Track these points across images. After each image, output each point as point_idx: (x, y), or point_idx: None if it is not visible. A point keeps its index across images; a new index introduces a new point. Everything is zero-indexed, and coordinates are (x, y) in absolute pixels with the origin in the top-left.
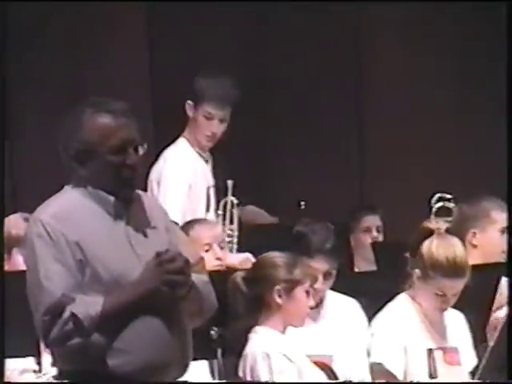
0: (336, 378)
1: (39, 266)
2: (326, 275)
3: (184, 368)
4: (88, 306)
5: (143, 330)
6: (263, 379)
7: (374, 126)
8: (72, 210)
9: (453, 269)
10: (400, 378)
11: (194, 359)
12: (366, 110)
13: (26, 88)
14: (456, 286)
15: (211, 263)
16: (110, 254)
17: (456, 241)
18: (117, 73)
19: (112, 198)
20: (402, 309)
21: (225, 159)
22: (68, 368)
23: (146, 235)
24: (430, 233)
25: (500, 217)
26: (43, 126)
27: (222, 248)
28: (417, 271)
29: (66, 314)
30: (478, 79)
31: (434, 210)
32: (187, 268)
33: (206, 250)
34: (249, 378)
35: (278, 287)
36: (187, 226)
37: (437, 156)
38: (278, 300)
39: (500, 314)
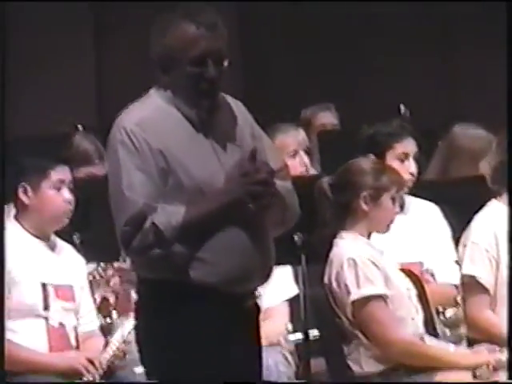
0: (422, 286)
1: (122, 175)
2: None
3: (266, 277)
4: (169, 215)
5: (226, 239)
6: (349, 285)
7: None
8: (156, 118)
9: None
10: (491, 291)
11: (278, 265)
12: None
13: None
14: None
15: (297, 170)
16: (193, 163)
17: None
18: None
19: (193, 108)
20: (494, 217)
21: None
22: (148, 275)
23: (231, 143)
24: None
25: None
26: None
27: (308, 154)
28: None
29: (147, 224)
30: None
31: None
32: (271, 178)
33: (292, 156)
34: (334, 284)
35: (364, 193)
36: (270, 133)
37: None
38: (364, 206)
39: None
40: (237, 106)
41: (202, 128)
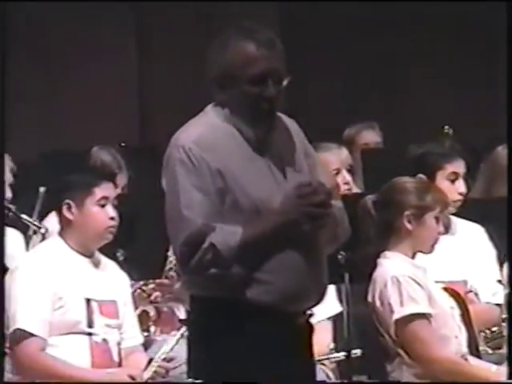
0: (465, 305)
1: (180, 194)
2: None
3: (320, 296)
4: (227, 235)
5: (281, 259)
6: (393, 303)
7: None
8: (213, 136)
9: None
10: None
11: None
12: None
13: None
14: None
15: (340, 188)
16: (250, 183)
17: None
18: None
19: (251, 127)
20: None
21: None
22: (202, 294)
23: (287, 163)
24: None
25: None
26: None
27: (350, 173)
28: None
29: (206, 244)
30: None
31: None
32: (329, 200)
33: (334, 175)
34: (378, 303)
35: (407, 213)
36: None
37: None
38: (408, 225)
39: None
40: (291, 125)
41: (259, 148)
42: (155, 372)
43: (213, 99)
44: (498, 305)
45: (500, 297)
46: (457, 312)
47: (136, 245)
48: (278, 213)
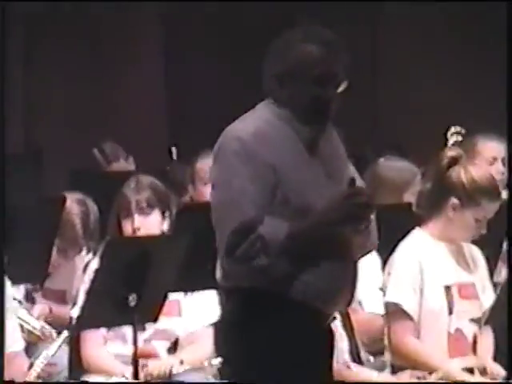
0: (347, 313)
1: (234, 184)
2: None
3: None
4: (276, 228)
5: (322, 261)
6: None
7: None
8: (269, 131)
9: (496, 191)
10: (415, 318)
11: (204, 289)
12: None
13: None
14: (496, 207)
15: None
16: (301, 181)
17: (484, 165)
18: None
19: (306, 127)
20: (418, 245)
21: None
22: (242, 286)
23: (333, 164)
24: (455, 161)
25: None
26: None
27: None
28: (454, 201)
29: (255, 234)
30: None
31: (450, 142)
32: (371, 202)
33: None
34: None
35: None
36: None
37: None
38: None
39: None
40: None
41: (311, 148)
42: (37, 377)
43: (268, 96)
44: (381, 315)
45: (380, 309)
46: (338, 320)
47: (19, 249)
48: (325, 211)
